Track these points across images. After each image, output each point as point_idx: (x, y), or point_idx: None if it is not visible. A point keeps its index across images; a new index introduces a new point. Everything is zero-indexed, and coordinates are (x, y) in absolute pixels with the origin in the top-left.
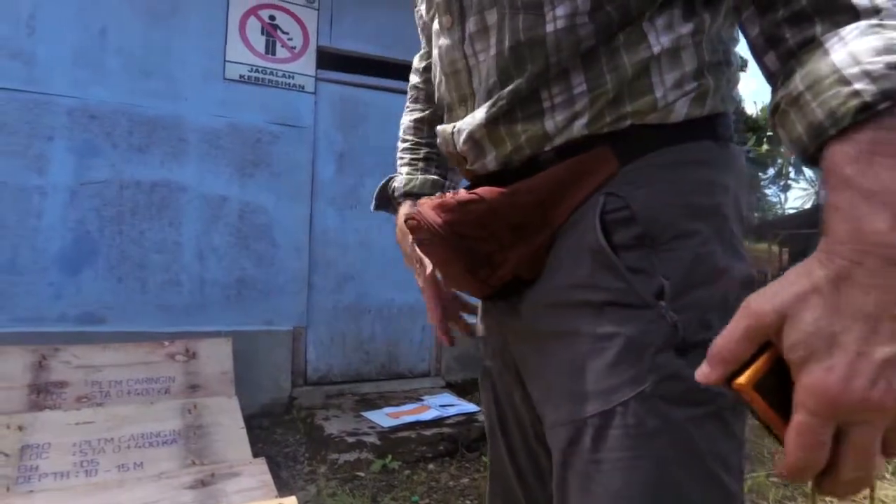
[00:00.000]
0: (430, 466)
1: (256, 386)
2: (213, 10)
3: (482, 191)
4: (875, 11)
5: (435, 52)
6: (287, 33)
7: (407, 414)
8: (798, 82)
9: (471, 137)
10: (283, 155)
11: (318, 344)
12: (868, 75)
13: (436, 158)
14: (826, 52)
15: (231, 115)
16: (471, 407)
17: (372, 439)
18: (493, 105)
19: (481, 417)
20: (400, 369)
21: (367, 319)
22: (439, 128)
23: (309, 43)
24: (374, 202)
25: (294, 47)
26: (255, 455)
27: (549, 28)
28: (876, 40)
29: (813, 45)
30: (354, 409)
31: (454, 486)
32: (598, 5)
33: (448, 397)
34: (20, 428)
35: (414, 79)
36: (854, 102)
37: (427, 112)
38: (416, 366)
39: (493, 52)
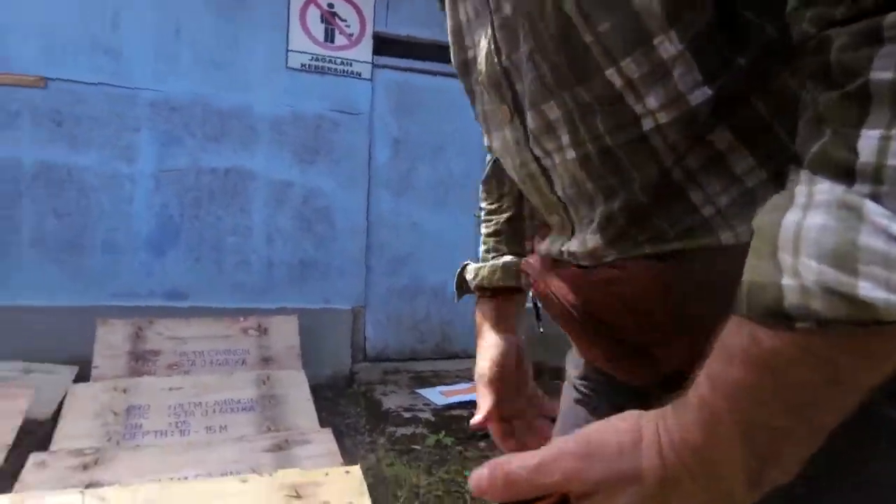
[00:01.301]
0: (482, 444)
1: (320, 360)
2: (275, 0)
3: (633, 266)
4: (875, 179)
5: (498, 143)
6: (345, 20)
7: (460, 393)
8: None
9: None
10: (342, 141)
11: (375, 323)
12: (798, 276)
13: (505, 229)
14: (790, 200)
15: (294, 103)
16: None
17: (427, 415)
18: (605, 225)
19: None
20: (454, 349)
21: (421, 300)
22: (541, 247)
23: (366, 29)
24: (455, 292)
25: (351, 34)
26: (322, 424)
27: (648, 125)
28: (834, 232)
29: (793, 173)
30: (410, 385)
31: None
32: (713, 69)
33: None
34: (125, 391)
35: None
36: (770, 298)
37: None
38: (470, 346)
39: (571, 155)
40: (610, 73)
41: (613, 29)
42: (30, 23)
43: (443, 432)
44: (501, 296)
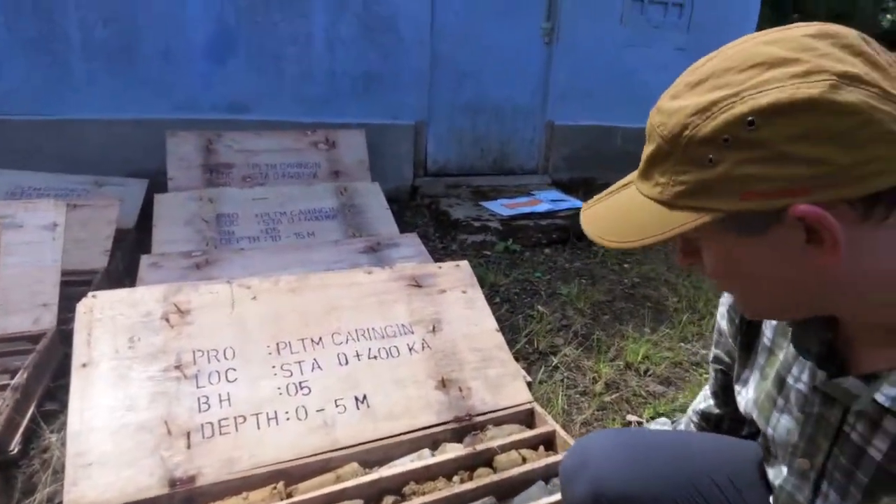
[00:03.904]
0: (546, 251)
1: (382, 174)
2: None
3: None
4: None
5: (770, 472)
6: None
7: (522, 206)
8: None
9: None
10: None
11: (437, 138)
12: None
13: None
14: None
15: None
16: (579, 203)
17: (495, 225)
18: None
19: None
20: (510, 166)
21: (482, 117)
22: None
23: None
24: None
25: None
26: None
27: None
28: None
29: None
30: (472, 198)
31: (569, 268)
32: None
33: (557, 193)
34: (211, 200)
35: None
36: None
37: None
38: (526, 163)
39: None
40: None
41: None
42: None
43: (510, 240)
44: None
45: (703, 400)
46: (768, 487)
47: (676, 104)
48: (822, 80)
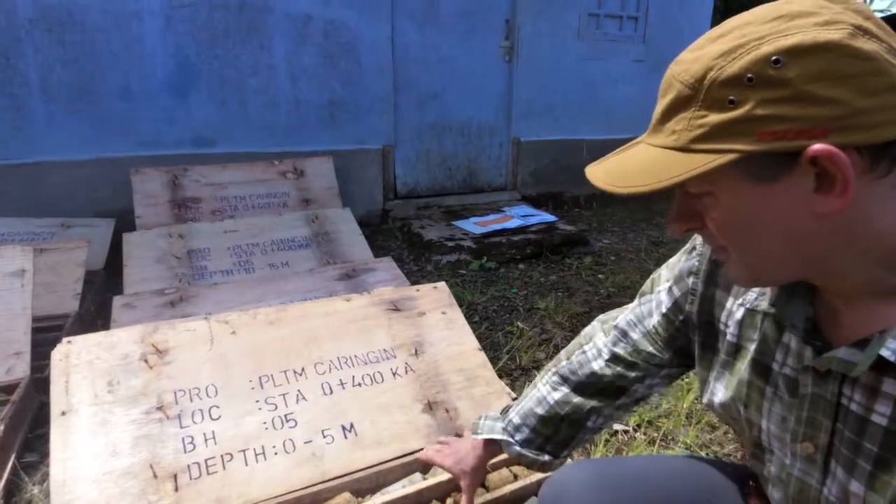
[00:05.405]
0: (521, 266)
1: (353, 199)
2: None
3: None
4: None
5: (771, 468)
6: None
7: (493, 223)
8: None
9: None
10: None
11: (405, 161)
12: None
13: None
14: None
15: None
16: (549, 217)
17: (468, 244)
18: None
19: (561, 226)
20: (479, 183)
21: (448, 137)
22: None
23: None
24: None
25: None
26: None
27: None
28: None
29: None
30: (444, 218)
31: (545, 282)
32: None
33: (527, 208)
34: (181, 236)
35: (599, 364)
36: None
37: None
38: (494, 180)
39: None
40: None
41: None
42: None
43: (485, 258)
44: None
45: (606, 348)
46: None
47: (698, 53)
48: (841, 28)
